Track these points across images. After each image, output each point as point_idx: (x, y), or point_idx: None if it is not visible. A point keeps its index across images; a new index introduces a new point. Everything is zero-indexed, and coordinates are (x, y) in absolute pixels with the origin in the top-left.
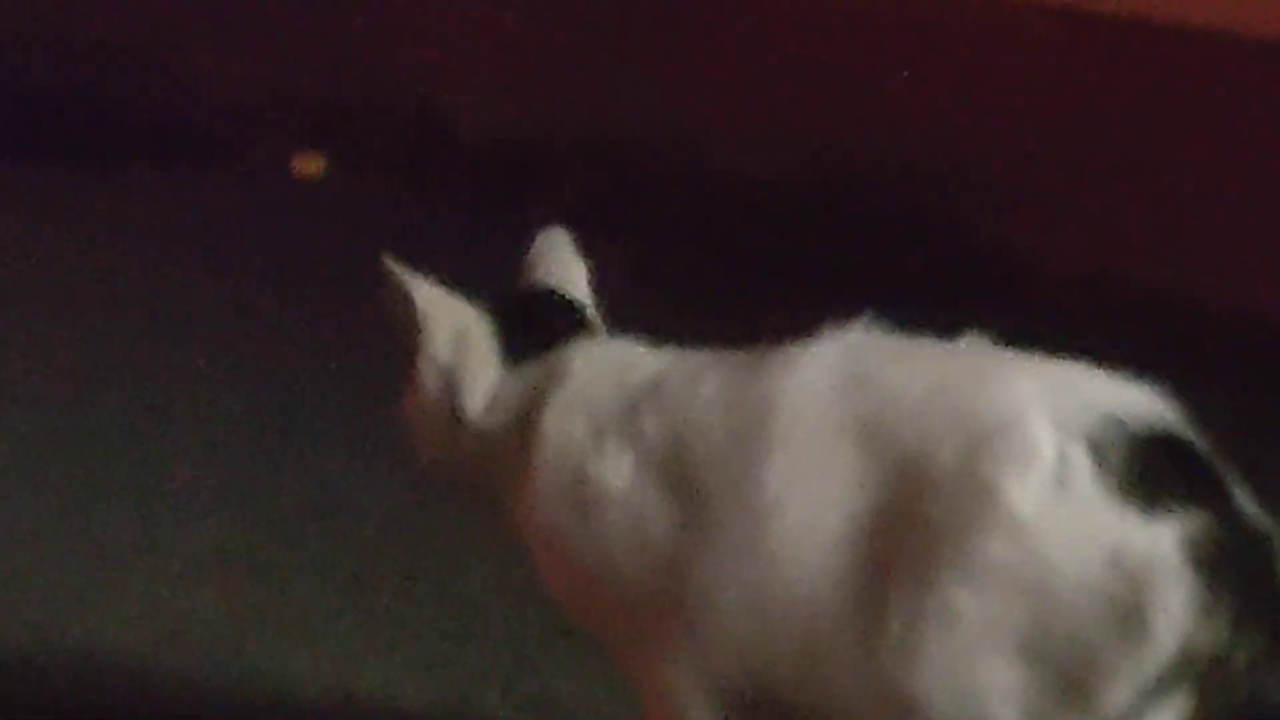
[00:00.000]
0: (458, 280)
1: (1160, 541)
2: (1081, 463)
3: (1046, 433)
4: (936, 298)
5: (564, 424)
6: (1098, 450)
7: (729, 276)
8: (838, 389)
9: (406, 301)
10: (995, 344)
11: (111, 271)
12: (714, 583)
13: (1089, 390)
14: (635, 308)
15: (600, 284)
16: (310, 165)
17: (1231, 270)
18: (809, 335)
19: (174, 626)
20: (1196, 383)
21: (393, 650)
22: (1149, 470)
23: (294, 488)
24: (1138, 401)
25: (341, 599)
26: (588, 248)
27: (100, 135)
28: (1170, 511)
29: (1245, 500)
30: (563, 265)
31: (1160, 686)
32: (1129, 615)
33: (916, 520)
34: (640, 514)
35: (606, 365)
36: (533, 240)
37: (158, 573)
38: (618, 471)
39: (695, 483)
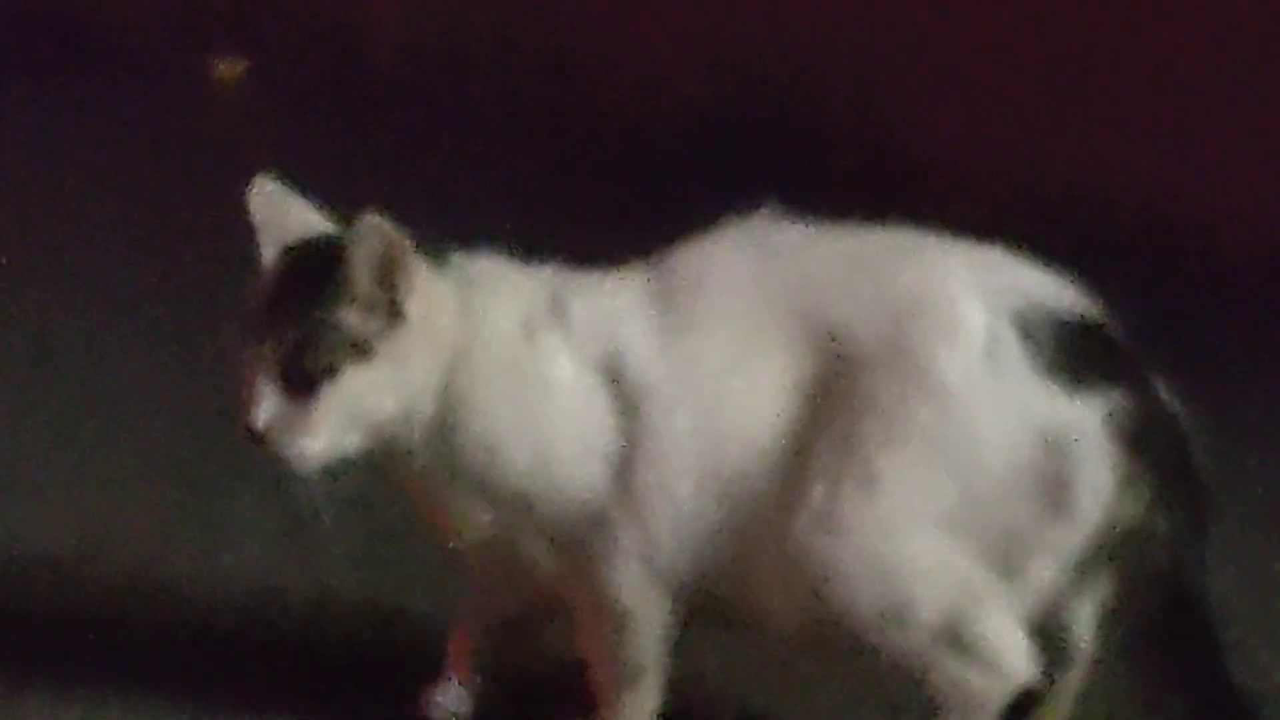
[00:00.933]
0: (374, 183)
1: (1086, 418)
2: (1010, 339)
3: (975, 307)
4: (864, 203)
5: (498, 318)
6: (1025, 329)
7: (652, 186)
8: (755, 270)
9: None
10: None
11: (29, 179)
12: (664, 469)
13: (1013, 274)
14: (555, 216)
15: (521, 191)
16: (232, 70)
17: (1153, 166)
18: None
19: (98, 532)
20: (1117, 278)
21: (320, 552)
22: (1074, 351)
23: (217, 391)
24: (1058, 287)
25: (267, 502)
26: (508, 155)
27: (13, 43)
28: (1095, 390)
29: (1158, 384)
30: (293, 211)
31: (1086, 561)
32: (1055, 488)
33: (846, 392)
34: (582, 403)
35: (516, 270)
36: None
37: (81, 479)
38: (552, 361)
39: (632, 370)
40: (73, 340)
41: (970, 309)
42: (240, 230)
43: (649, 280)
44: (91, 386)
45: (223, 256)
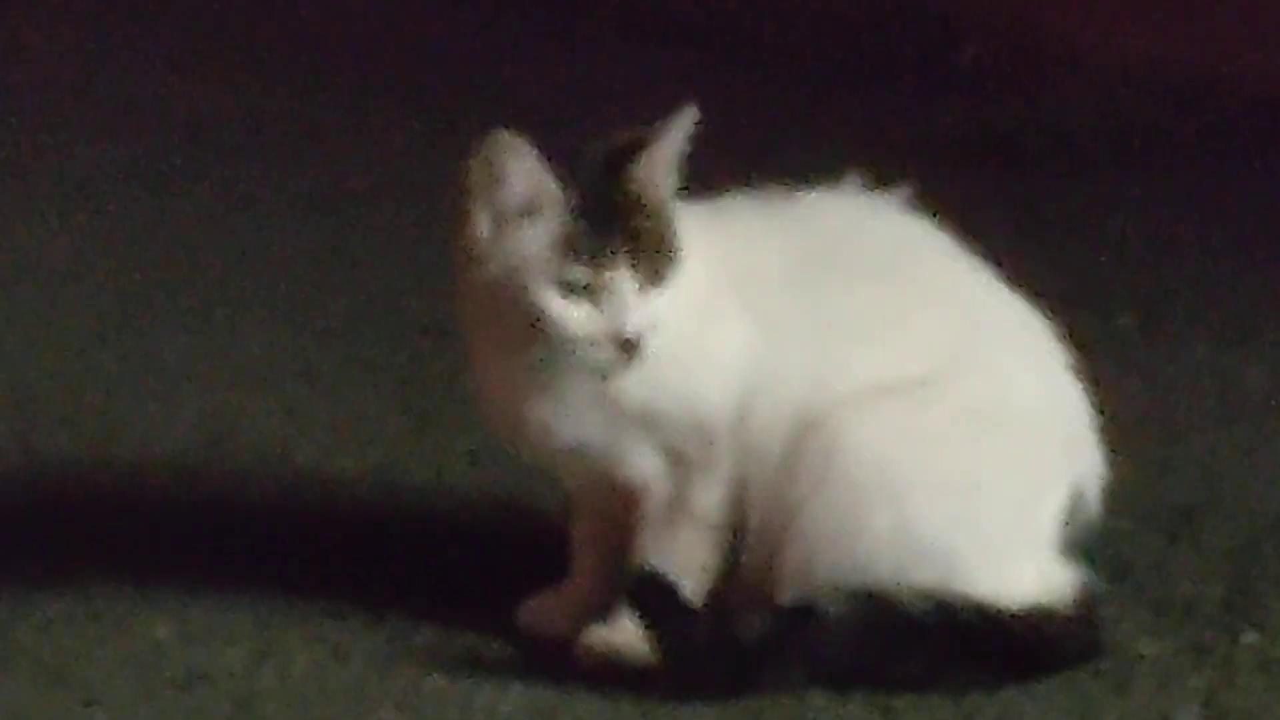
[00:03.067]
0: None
1: None
2: None
3: None
4: (985, 92)
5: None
6: None
7: (784, 81)
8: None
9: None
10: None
11: (178, 87)
12: (776, 407)
13: None
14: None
15: (664, 92)
16: None
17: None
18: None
19: (225, 431)
20: (1234, 166)
21: (441, 449)
22: None
23: (343, 295)
24: None
25: (389, 402)
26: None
27: None
28: None
29: None
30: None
31: None
32: None
33: None
34: (725, 331)
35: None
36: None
37: (210, 379)
38: (702, 285)
39: (765, 303)
40: (203, 248)
41: None
42: (373, 140)
43: (781, 222)
44: (225, 288)
45: (352, 165)
